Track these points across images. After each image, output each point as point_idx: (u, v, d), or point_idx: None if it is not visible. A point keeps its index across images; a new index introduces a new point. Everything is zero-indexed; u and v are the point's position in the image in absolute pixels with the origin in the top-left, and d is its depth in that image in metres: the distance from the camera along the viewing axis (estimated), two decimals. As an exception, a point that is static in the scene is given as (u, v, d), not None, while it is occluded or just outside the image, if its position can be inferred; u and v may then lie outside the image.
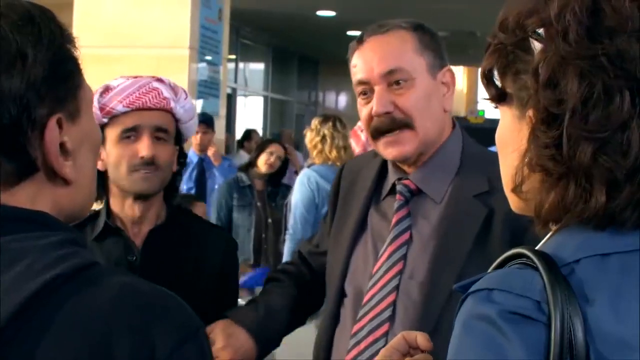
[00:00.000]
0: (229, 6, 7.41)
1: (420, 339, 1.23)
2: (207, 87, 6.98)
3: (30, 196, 0.98)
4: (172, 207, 2.08)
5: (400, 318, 1.78)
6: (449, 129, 1.91)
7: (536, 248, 0.97)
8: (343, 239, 1.95)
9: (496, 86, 1.03)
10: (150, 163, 1.92)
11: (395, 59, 1.83)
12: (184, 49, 6.44)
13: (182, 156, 2.09)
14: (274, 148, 5.69)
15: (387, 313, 1.79)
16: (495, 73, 1.02)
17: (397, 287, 1.80)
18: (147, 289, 0.98)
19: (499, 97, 1.04)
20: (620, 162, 0.90)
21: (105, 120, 1.95)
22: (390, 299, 1.79)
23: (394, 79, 1.82)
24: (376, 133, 1.84)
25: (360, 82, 1.86)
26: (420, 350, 1.24)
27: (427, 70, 1.85)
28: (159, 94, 1.95)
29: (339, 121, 5.11)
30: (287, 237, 5.03)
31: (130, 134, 1.93)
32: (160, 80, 1.99)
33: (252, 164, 5.67)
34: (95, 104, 1.92)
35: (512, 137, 1.01)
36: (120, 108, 1.92)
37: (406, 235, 1.84)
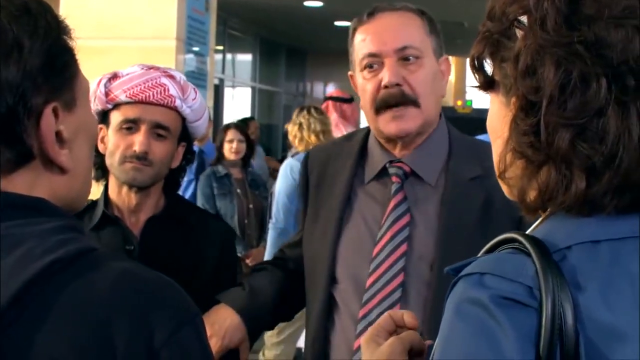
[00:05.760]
0: (216, -3, 7.38)
1: (407, 317, 1.24)
2: (194, 78, 6.95)
3: (28, 183, 1.00)
4: (171, 198, 2.09)
5: (412, 298, 1.79)
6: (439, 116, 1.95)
7: (527, 233, 0.97)
8: (326, 226, 1.94)
9: (484, 73, 1.04)
10: (142, 158, 1.93)
11: (409, 35, 1.86)
12: (171, 40, 6.41)
13: (188, 152, 2.10)
14: (231, 135, 5.78)
15: (397, 294, 1.79)
16: (487, 60, 1.02)
17: (403, 269, 1.81)
18: (146, 274, 1.00)
19: (487, 84, 1.05)
20: (598, 149, 0.91)
21: (109, 106, 1.96)
22: (398, 280, 1.80)
23: (405, 55, 1.85)
24: (383, 105, 1.85)
25: (370, 55, 1.87)
26: (407, 329, 1.24)
27: (433, 52, 1.89)
28: (164, 90, 1.95)
29: (314, 108, 5.25)
30: (270, 225, 5.09)
31: (130, 125, 1.94)
32: (170, 76, 1.98)
33: (220, 156, 5.75)
34: (102, 88, 1.94)
35: (499, 124, 1.02)
36: (123, 98, 1.94)
37: (407, 218, 1.85)
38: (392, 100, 1.84)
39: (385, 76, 1.84)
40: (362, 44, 1.89)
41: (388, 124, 1.85)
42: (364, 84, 1.89)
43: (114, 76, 1.97)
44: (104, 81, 1.96)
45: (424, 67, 1.86)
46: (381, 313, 1.78)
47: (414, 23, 1.89)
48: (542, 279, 0.88)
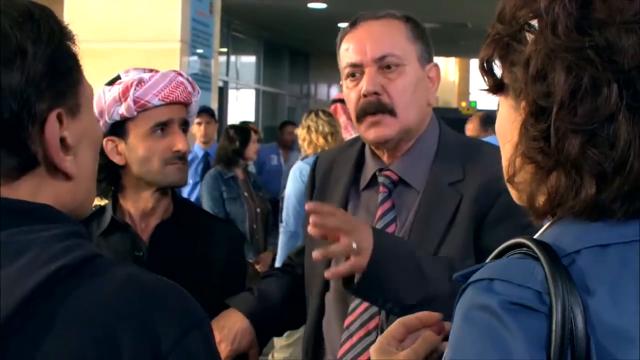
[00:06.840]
0: (219, -1, 7.40)
1: (423, 316, 1.22)
2: (198, 81, 6.95)
3: (32, 190, 0.99)
4: (179, 202, 2.09)
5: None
6: (429, 121, 1.93)
7: (535, 238, 0.96)
8: None
9: (494, 76, 1.03)
10: (183, 157, 1.96)
11: (388, 44, 1.86)
12: (175, 43, 6.43)
13: None
14: (255, 136, 5.88)
15: (375, 307, 1.78)
16: (497, 63, 1.02)
17: None
18: (151, 280, 1.00)
19: (496, 87, 1.04)
20: (609, 155, 0.90)
21: (135, 113, 1.94)
22: None
23: (385, 63, 1.84)
24: (362, 113, 1.85)
25: (351, 65, 1.87)
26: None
27: (417, 59, 1.88)
28: (185, 88, 1.98)
29: (322, 111, 5.28)
30: (281, 230, 5.08)
31: (161, 127, 1.95)
32: (180, 74, 2.01)
33: (239, 155, 5.68)
34: (131, 95, 1.92)
35: (508, 127, 1.01)
36: (156, 102, 1.93)
37: (392, 228, 1.84)
38: (370, 109, 1.84)
39: (364, 85, 1.84)
40: (345, 53, 1.90)
41: (367, 131, 1.86)
42: (348, 93, 1.90)
43: (139, 82, 1.94)
44: (131, 90, 1.92)
45: (405, 74, 1.85)
46: (362, 324, 1.79)
47: (396, 31, 1.88)
48: (551, 284, 0.88)
